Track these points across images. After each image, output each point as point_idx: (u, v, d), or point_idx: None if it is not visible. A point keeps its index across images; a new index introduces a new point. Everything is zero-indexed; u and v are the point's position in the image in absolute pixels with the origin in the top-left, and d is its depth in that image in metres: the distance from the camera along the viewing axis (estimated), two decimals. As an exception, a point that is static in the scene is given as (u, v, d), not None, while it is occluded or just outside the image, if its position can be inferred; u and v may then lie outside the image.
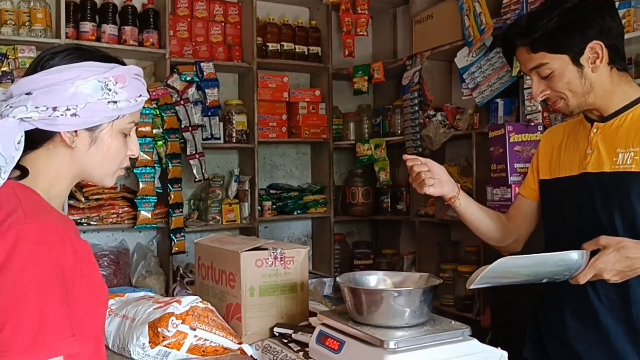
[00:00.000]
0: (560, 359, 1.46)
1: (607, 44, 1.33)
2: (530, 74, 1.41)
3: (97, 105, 1.01)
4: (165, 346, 1.57)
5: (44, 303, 0.90)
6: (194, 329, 1.63)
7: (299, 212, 3.79)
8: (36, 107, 0.97)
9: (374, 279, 1.51)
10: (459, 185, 1.61)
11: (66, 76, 0.99)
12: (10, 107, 0.98)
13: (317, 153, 4.05)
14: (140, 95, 1.07)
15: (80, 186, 3.08)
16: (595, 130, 1.41)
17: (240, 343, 1.67)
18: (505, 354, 1.34)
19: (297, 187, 3.94)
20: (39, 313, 0.89)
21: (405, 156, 1.58)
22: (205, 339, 1.63)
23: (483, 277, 1.26)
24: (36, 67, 1.02)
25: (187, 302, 1.66)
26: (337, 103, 4.06)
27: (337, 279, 1.46)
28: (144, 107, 3.35)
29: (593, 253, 1.28)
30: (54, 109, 0.98)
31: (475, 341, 1.31)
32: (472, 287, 1.30)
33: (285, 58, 3.75)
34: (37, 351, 0.87)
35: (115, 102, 1.03)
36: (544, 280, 1.34)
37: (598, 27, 1.32)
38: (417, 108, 3.48)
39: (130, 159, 1.17)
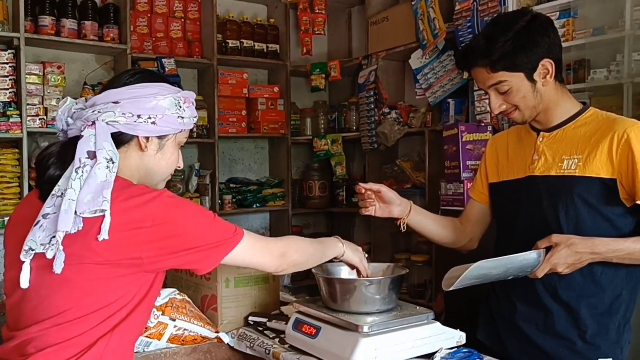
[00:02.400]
0: (510, 339, 1.61)
1: (554, 59, 1.49)
2: (488, 91, 1.55)
3: (171, 118, 1.21)
4: (146, 336, 1.65)
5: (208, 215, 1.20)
6: (174, 320, 1.71)
7: (258, 205, 3.89)
8: (123, 114, 1.16)
9: (346, 270, 1.63)
10: (411, 204, 1.74)
11: (149, 91, 1.18)
12: (99, 112, 1.16)
13: (275, 148, 4.15)
14: (196, 116, 1.28)
15: (40, 181, 3.08)
16: (541, 139, 1.57)
17: (217, 332, 1.77)
18: (463, 334, 1.50)
19: (256, 180, 4.04)
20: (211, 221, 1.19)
21: (358, 187, 1.73)
22: (185, 329, 1.71)
23: (461, 281, 1.38)
24: (119, 82, 1.21)
25: (166, 294, 1.74)
26: (294, 99, 4.17)
27: (313, 270, 1.57)
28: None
29: (548, 249, 1.44)
30: (138, 116, 1.17)
31: (437, 324, 1.47)
32: (450, 289, 1.41)
33: (244, 55, 3.82)
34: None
35: (182, 117, 1.23)
36: (510, 277, 1.48)
37: (546, 45, 1.47)
38: (372, 106, 3.63)
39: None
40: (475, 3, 2.84)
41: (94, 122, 1.15)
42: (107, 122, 1.15)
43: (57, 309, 1.09)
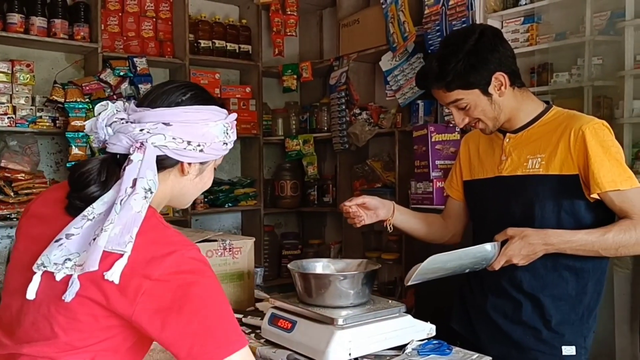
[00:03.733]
0: (481, 328, 1.68)
1: (507, 71, 1.55)
2: (449, 107, 1.63)
3: (217, 145, 1.13)
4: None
5: (225, 303, 1.04)
6: (150, 317, 1.72)
7: (230, 204, 3.90)
8: (174, 138, 1.07)
9: (320, 266, 1.68)
10: (394, 204, 1.82)
11: (202, 116, 1.10)
12: (148, 132, 1.06)
13: (247, 148, 4.17)
14: (235, 138, 1.20)
15: (9, 181, 3.04)
16: (508, 140, 1.65)
17: (193, 328, 1.79)
18: (433, 327, 1.56)
19: (228, 180, 4.05)
20: (227, 311, 1.03)
21: (345, 208, 1.77)
22: (161, 326, 1.73)
23: (418, 274, 1.43)
24: (170, 100, 1.10)
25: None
26: (266, 100, 4.19)
27: (288, 265, 1.61)
28: (76, 102, 3.34)
29: (504, 243, 1.51)
30: (189, 142, 1.09)
31: (409, 317, 1.52)
32: (409, 284, 1.47)
33: (216, 55, 3.83)
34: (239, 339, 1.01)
35: (226, 143, 1.16)
36: (467, 271, 1.56)
37: (496, 59, 1.54)
38: (343, 107, 3.69)
39: None
40: (444, 8, 2.92)
41: (142, 144, 1.06)
42: (155, 145, 1.06)
43: (48, 333, 1.01)
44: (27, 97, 3.12)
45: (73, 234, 1.00)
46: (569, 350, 1.54)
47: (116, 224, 0.98)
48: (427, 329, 1.55)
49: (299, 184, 4.17)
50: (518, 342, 1.59)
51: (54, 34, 3.22)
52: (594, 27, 2.49)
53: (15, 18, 3.10)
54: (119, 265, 0.95)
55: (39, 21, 3.17)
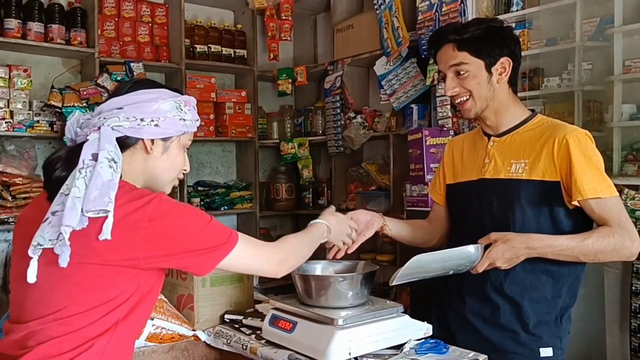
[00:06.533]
0: (459, 331, 1.69)
1: (513, 65, 1.61)
2: (447, 72, 1.65)
3: (173, 120, 1.26)
4: (126, 335, 1.68)
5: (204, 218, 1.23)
6: (152, 319, 1.75)
7: (226, 207, 3.93)
8: (127, 118, 1.21)
9: (319, 267, 1.72)
10: (380, 214, 1.86)
11: (151, 96, 1.25)
12: (105, 118, 1.22)
13: (243, 151, 4.20)
14: (197, 120, 1.33)
15: (6, 185, 3.05)
16: (492, 144, 1.68)
17: (194, 330, 1.82)
18: (429, 326, 1.60)
19: (224, 184, 4.08)
20: (207, 224, 1.22)
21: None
22: (163, 328, 1.76)
23: (402, 275, 1.47)
24: (121, 90, 1.28)
25: (143, 294, 1.78)
26: (262, 103, 4.23)
27: (288, 268, 1.64)
28: (74, 106, 3.36)
29: (487, 247, 1.53)
30: (142, 119, 1.23)
31: (407, 317, 1.56)
32: (393, 283, 1.50)
33: (212, 60, 3.87)
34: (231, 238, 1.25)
35: (184, 119, 1.28)
36: (451, 272, 1.59)
37: (510, 49, 1.61)
38: (338, 110, 3.73)
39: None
40: (437, 13, 2.97)
41: (99, 128, 1.20)
42: (112, 127, 1.21)
43: (58, 305, 1.13)
44: (24, 101, 3.14)
45: (57, 211, 1.12)
46: (546, 352, 1.57)
47: (91, 190, 1.11)
48: (424, 329, 1.59)
49: (294, 187, 4.21)
50: (496, 345, 1.60)
51: (51, 39, 3.24)
52: (583, 33, 2.54)
53: (13, 23, 3.12)
54: (108, 224, 1.09)
55: (36, 26, 3.19)
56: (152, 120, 1.24)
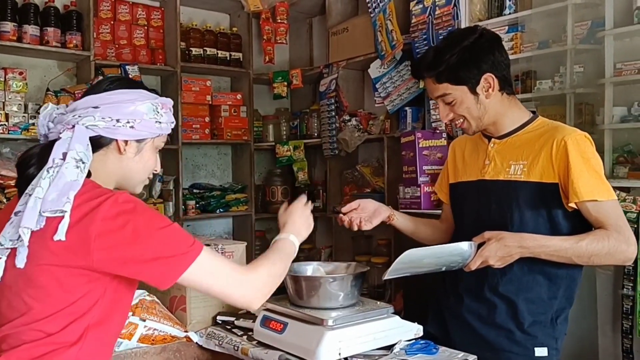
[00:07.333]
0: (455, 330, 1.72)
1: (497, 75, 1.61)
2: (437, 101, 1.68)
3: (149, 123, 1.24)
4: (118, 337, 1.69)
5: (168, 225, 1.16)
6: (144, 320, 1.77)
7: (221, 210, 3.94)
8: (102, 118, 1.19)
9: (310, 268, 1.73)
10: (390, 206, 1.90)
11: (128, 97, 1.22)
12: (79, 116, 1.20)
13: (238, 154, 4.21)
14: (173, 122, 1.31)
15: (1, 187, 3.06)
16: (492, 145, 1.70)
17: (186, 331, 1.83)
18: (420, 327, 1.62)
19: (220, 186, 4.08)
20: (171, 231, 1.16)
21: (341, 219, 1.83)
22: (155, 329, 1.77)
23: (394, 269, 1.49)
24: (99, 88, 1.25)
25: (135, 295, 1.79)
26: (257, 106, 4.24)
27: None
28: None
29: (481, 245, 1.55)
30: (117, 120, 1.21)
31: (397, 317, 1.58)
32: (386, 277, 1.53)
33: (208, 63, 3.88)
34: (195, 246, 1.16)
35: (160, 122, 1.27)
36: (443, 269, 1.60)
37: (490, 61, 1.60)
38: (333, 113, 3.74)
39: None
40: (430, 17, 2.99)
41: (73, 126, 1.19)
42: (86, 126, 1.19)
43: (23, 308, 1.12)
44: (19, 104, 3.15)
45: (20, 211, 1.10)
46: (541, 351, 1.59)
47: (51, 190, 1.09)
48: (415, 330, 1.60)
49: (290, 190, 4.22)
50: (492, 343, 1.62)
51: (46, 42, 3.25)
52: (575, 36, 2.56)
53: (8, 26, 3.13)
54: (63, 224, 1.07)
55: (31, 29, 3.20)
56: (128, 122, 1.22)
